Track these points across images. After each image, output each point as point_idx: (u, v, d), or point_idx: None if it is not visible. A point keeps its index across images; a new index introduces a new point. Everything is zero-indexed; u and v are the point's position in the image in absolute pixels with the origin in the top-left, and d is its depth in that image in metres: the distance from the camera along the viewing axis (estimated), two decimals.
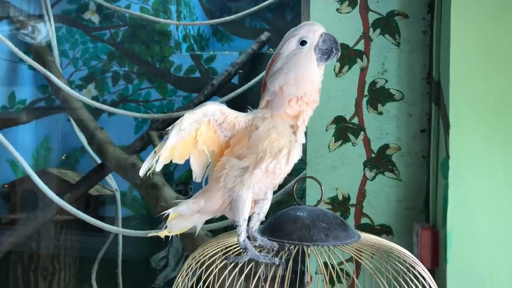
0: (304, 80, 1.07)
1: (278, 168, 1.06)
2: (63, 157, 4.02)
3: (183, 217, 1.16)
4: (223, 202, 1.09)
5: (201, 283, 1.08)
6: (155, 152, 1.02)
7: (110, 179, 3.70)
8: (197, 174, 1.12)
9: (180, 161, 1.06)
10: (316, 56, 1.08)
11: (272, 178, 1.08)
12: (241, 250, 1.06)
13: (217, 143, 1.10)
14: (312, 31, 1.08)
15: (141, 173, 1.02)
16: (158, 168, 1.03)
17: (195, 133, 1.05)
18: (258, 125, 1.06)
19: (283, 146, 1.05)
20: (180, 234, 1.22)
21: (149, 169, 1.03)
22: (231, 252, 1.10)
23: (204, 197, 1.11)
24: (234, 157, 1.07)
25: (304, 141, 1.12)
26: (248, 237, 1.10)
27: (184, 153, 1.06)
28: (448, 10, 1.48)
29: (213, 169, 1.11)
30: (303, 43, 1.07)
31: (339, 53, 1.10)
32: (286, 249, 1.09)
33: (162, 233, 1.20)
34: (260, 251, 1.09)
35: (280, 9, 4.40)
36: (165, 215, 1.15)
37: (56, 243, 3.64)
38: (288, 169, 1.09)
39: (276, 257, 1.07)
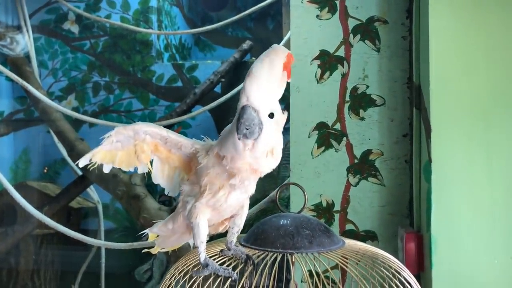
0: (227, 144, 0.97)
1: (219, 205, 1.05)
2: (45, 170, 3.94)
3: (165, 237, 1.17)
4: (187, 225, 1.10)
5: None
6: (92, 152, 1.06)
7: (92, 191, 3.64)
8: (169, 189, 1.12)
9: (125, 168, 1.08)
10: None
11: (216, 213, 1.07)
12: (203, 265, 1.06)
13: (181, 161, 1.09)
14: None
15: (80, 164, 1.05)
16: (106, 169, 1.06)
17: (134, 148, 1.06)
18: (200, 160, 1.04)
19: (223, 186, 1.02)
20: None
21: (92, 166, 1.05)
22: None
23: (172, 220, 1.13)
24: (190, 182, 1.07)
25: (252, 193, 1.07)
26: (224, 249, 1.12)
27: (126, 163, 1.08)
28: (426, 15, 1.49)
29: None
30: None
31: None
32: (253, 261, 1.07)
33: (154, 250, 1.21)
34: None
35: (262, 18, 4.42)
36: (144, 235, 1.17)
37: (35, 258, 3.55)
38: (231, 206, 1.07)
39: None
